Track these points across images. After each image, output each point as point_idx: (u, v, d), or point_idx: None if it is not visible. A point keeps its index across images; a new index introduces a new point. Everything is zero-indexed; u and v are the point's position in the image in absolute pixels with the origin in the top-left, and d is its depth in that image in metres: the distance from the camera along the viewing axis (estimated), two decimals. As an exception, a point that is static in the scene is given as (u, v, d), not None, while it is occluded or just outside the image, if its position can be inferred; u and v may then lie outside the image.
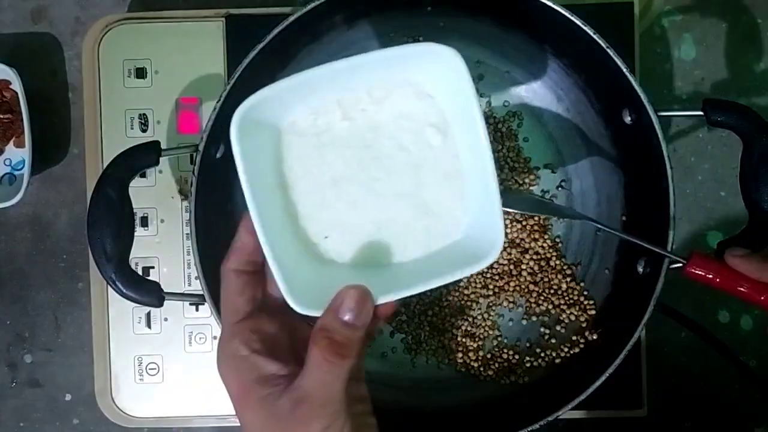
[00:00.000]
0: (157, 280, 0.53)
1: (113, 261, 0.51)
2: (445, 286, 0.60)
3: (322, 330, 0.37)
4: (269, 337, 0.39)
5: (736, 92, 0.65)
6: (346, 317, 0.37)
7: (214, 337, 0.61)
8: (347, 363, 0.36)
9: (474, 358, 0.59)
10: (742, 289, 0.48)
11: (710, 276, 0.48)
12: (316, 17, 0.54)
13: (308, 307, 0.39)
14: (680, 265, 0.49)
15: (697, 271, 0.49)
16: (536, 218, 0.59)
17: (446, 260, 0.42)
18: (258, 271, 0.40)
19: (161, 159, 0.52)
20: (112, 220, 0.50)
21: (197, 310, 0.61)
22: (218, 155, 0.55)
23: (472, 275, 0.60)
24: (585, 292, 0.59)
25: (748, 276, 0.47)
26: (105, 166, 0.51)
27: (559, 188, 0.60)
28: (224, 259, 0.40)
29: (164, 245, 0.61)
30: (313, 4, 0.52)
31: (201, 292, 0.52)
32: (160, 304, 0.52)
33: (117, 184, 0.51)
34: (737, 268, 0.47)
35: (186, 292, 0.60)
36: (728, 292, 0.48)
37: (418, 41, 0.59)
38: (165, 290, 0.52)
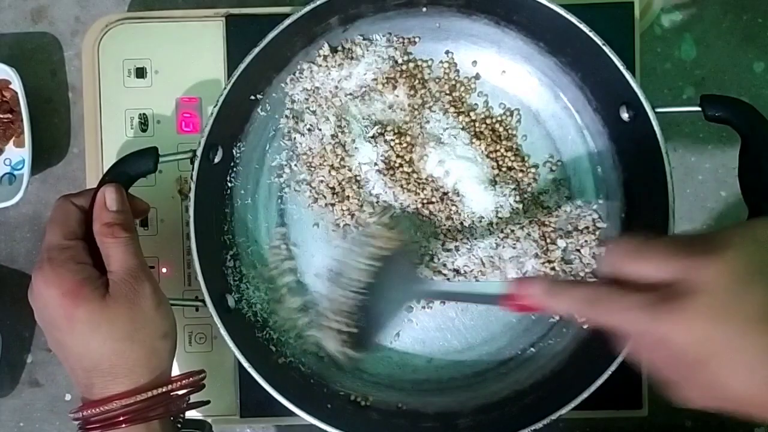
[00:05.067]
0: (157, 280, 0.53)
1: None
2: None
3: (104, 225, 0.47)
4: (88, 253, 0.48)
5: (736, 92, 0.64)
6: (114, 207, 0.48)
7: (215, 337, 0.60)
8: (132, 235, 0.48)
9: (474, 357, 0.59)
10: None
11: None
12: (312, 20, 0.54)
13: None
14: None
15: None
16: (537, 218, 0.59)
17: None
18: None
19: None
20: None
21: (197, 310, 0.60)
22: (216, 160, 0.55)
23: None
24: (585, 292, 0.59)
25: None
26: (103, 172, 0.51)
27: (558, 186, 0.60)
28: (69, 195, 0.50)
29: (164, 245, 0.61)
30: (312, 5, 0.52)
31: (201, 298, 0.52)
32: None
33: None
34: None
35: (185, 297, 0.60)
36: None
37: (414, 43, 0.59)
38: (164, 292, 0.51)
